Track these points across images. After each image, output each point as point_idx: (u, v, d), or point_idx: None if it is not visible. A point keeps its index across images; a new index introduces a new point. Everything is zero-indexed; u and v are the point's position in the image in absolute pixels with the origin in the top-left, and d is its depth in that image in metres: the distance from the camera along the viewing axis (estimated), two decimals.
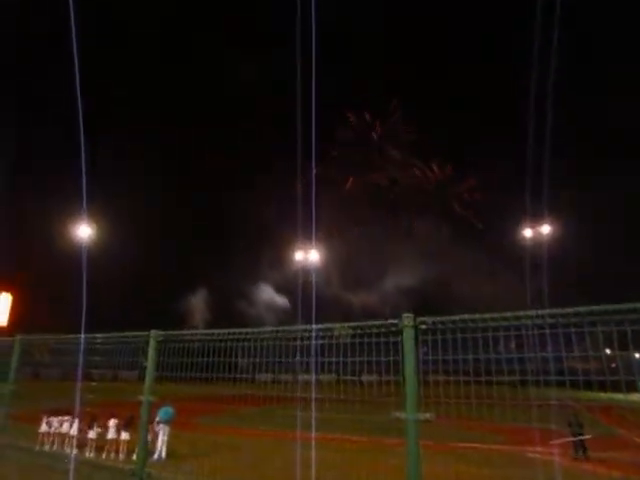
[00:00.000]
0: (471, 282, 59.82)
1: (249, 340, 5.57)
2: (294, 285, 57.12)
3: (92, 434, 10.03)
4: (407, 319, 4.13)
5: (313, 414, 5.45)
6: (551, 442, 11.49)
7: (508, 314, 3.80)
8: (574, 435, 11.64)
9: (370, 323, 4.50)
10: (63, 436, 9.82)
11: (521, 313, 3.80)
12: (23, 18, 51.93)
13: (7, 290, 36.62)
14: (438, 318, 4.08)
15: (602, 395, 4.09)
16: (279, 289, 70.94)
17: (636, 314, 3.26)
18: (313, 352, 5.01)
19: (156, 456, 10.27)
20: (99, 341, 7.46)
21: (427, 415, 3.89)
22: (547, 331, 3.74)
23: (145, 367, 6.17)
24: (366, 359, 4.55)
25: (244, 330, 5.60)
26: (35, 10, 52.49)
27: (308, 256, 54.31)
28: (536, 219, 47.44)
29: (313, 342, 5.00)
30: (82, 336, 7.38)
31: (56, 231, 50.56)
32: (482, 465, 10.32)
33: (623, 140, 52.81)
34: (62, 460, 7.73)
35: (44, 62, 53.92)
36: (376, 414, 5.28)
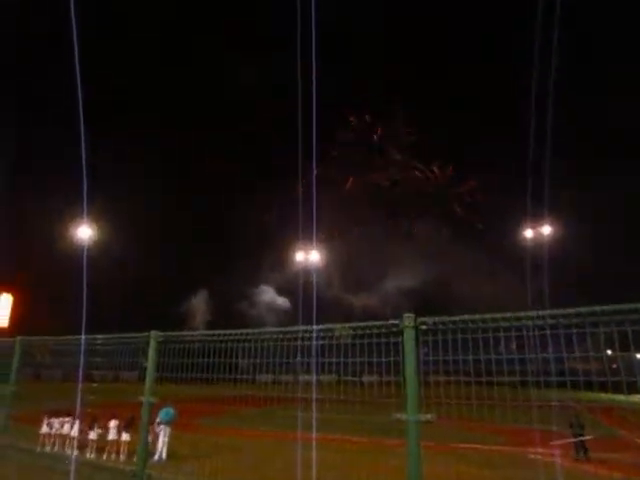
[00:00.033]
0: (472, 283, 59.77)
1: (249, 341, 5.57)
2: (295, 286, 57.13)
3: (93, 435, 10.03)
4: (408, 320, 4.13)
5: (314, 415, 5.44)
6: (552, 443, 11.47)
7: (509, 315, 3.80)
8: (575, 436, 11.62)
9: (371, 324, 4.50)
10: (64, 437, 9.81)
11: (522, 314, 3.80)
12: (23, 18, 52.06)
13: (8, 291, 36.68)
14: (439, 319, 4.08)
15: (603, 396, 4.09)
16: (280, 290, 70.98)
17: (637, 314, 3.26)
18: (314, 353, 5.01)
19: (157, 457, 10.27)
20: (99, 342, 7.47)
21: (428, 416, 3.89)
22: (548, 332, 3.74)
23: (145, 368, 6.17)
24: (367, 360, 4.55)
25: (244, 331, 5.60)
26: (35, 10, 52.59)
27: (309, 257, 54.37)
28: (536, 219, 47.50)
29: (314, 343, 5.00)
30: (83, 337, 7.39)
31: (56, 232, 50.69)
32: (483, 466, 10.31)
33: (623, 140, 52.86)
34: (63, 461, 7.73)
35: (44, 62, 54.03)
36: (377, 415, 5.28)
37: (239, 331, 5.59)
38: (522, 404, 5.12)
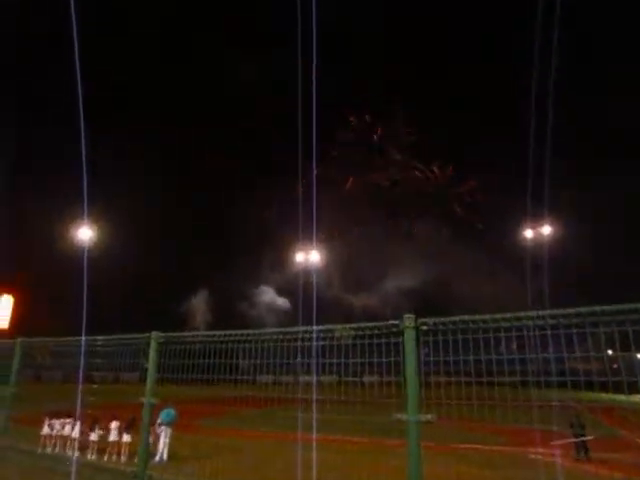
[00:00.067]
0: (472, 283, 59.79)
1: (250, 342, 5.57)
2: (295, 286, 57.13)
3: (94, 436, 10.02)
4: (408, 320, 4.13)
5: (314, 415, 5.44)
6: (553, 443, 11.46)
7: (509, 315, 3.80)
8: (576, 436, 11.61)
9: (371, 324, 4.50)
10: (65, 438, 9.81)
11: (522, 314, 3.80)
12: (23, 18, 52.10)
13: (8, 292, 36.69)
14: (439, 319, 4.09)
15: (604, 396, 4.09)
16: (280, 290, 70.99)
17: (638, 314, 3.26)
18: (314, 353, 5.01)
19: (157, 458, 10.27)
20: (100, 343, 7.47)
21: (428, 416, 3.89)
22: (548, 332, 3.73)
23: (146, 369, 6.17)
24: (367, 360, 4.55)
25: (245, 331, 5.60)
26: (35, 10, 52.63)
27: (309, 257, 54.36)
28: (536, 219, 47.50)
29: (314, 343, 5.00)
30: (83, 338, 7.39)
31: (56, 232, 50.71)
32: (483, 466, 10.31)
33: (623, 140, 52.87)
34: (64, 462, 7.74)
35: (44, 62, 54.07)
36: (377, 415, 5.28)
37: (239, 332, 5.60)
38: (523, 404, 5.12)
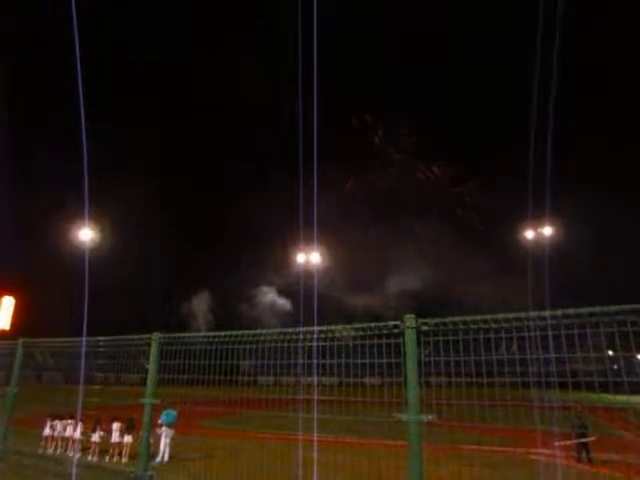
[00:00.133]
0: (472, 283, 59.77)
1: (251, 342, 5.57)
2: (296, 287, 57.12)
3: (95, 437, 10.03)
4: (409, 321, 4.14)
5: (315, 416, 5.44)
6: (554, 444, 11.45)
7: (509, 315, 3.80)
8: (577, 437, 11.60)
9: (372, 325, 4.50)
10: (66, 439, 9.83)
11: (522, 314, 3.80)
12: (23, 18, 52.17)
13: (9, 293, 36.70)
14: (440, 320, 4.09)
15: (604, 396, 4.09)
16: (281, 291, 70.95)
17: (638, 315, 3.26)
18: (315, 354, 5.01)
19: (159, 459, 10.27)
20: (101, 344, 7.48)
21: (429, 417, 3.89)
22: (549, 332, 3.74)
23: (147, 370, 6.18)
24: (368, 361, 4.56)
25: (246, 332, 5.60)
26: (35, 10, 52.68)
27: (310, 258, 54.36)
28: (537, 220, 47.47)
29: (315, 344, 5.00)
30: (84, 339, 7.40)
31: (57, 233, 50.72)
32: (484, 466, 10.30)
33: (623, 140, 52.87)
34: (65, 463, 7.74)
35: (44, 62, 54.13)
36: (378, 416, 5.28)
37: (240, 333, 5.60)
38: (523, 404, 5.12)
